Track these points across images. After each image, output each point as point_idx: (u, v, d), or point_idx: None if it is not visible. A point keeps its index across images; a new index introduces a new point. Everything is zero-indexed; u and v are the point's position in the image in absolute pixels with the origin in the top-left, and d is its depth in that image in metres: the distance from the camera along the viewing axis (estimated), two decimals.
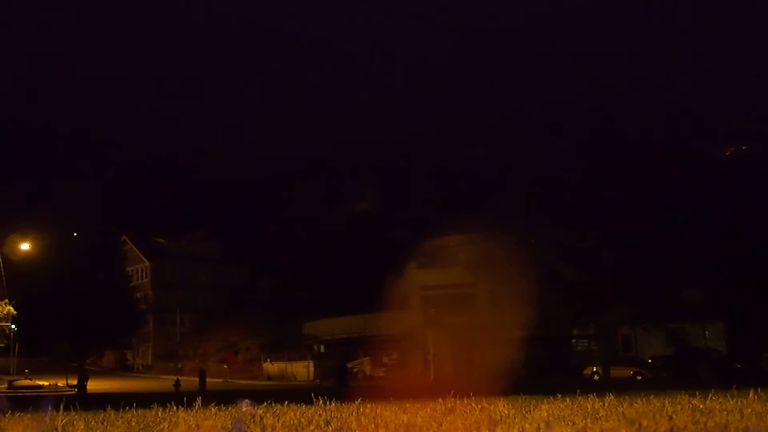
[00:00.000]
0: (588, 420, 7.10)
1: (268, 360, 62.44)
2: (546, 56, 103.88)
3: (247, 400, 9.57)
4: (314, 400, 10.41)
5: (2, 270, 48.68)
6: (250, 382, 54.56)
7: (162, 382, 48.67)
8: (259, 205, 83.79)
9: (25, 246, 47.30)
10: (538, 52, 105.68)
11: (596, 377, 41.61)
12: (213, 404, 9.49)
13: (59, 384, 43.08)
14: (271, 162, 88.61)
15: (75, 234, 47.93)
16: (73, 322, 40.22)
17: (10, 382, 44.86)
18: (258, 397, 11.24)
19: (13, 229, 48.06)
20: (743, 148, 57.33)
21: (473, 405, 9.11)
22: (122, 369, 74.47)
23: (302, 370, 58.46)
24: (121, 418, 8.56)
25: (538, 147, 35.77)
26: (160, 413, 8.82)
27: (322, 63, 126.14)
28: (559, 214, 39.37)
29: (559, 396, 10.55)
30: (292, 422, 7.52)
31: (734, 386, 10.94)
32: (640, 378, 41.85)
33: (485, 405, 9.08)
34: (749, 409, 7.83)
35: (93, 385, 40.69)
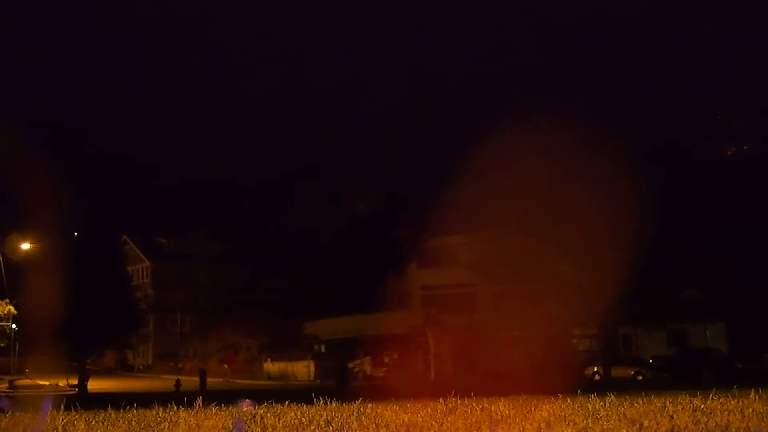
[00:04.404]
0: (589, 420, 7.10)
1: (269, 360, 62.46)
2: (546, 55, 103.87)
3: (247, 400, 9.57)
4: (315, 400, 10.41)
5: (2, 270, 48.69)
6: (250, 381, 54.56)
7: (162, 382, 48.67)
8: (259, 204, 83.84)
9: (25, 246, 47.29)
10: (539, 51, 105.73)
11: (597, 377, 41.59)
12: (214, 404, 9.49)
13: (60, 384, 43.10)
14: (271, 162, 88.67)
15: (75, 234, 47.89)
16: (74, 322, 40.19)
17: (10, 381, 44.88)
18: (258, 396, 11.25)
19: (13, 229, 48.06)
20: (743, 148, 57.28)
21: (474, 405, 9.10)
22: (123, 369, 74.50)
23: (303, 370, 58.48)
24: (122, 417, 8.56)
25: (538, 147, 35.75)
26: (160, 413, 8.81)
27: (322, 63, 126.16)
28: (559, 213, 39.35)
29: (560, 396, 10.54)
30: (292, 422, 7.52)
31: (735, 386, 10.93)
32: (641, 378, 41.84)
33: (486, 405, 9.08)
34: (750, 409, 7.83)
35: (93, 385, 40.72)
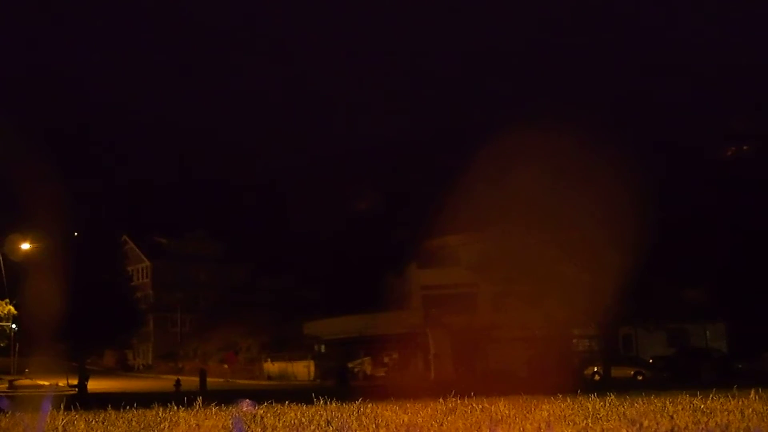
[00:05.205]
0: (589, 420, 7.10)
1: (269, 360, 62.42)
2: (546, 55, 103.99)
3: (247, 400, 9.57)
4: (315, 400, 10.41)
5: (2, 270, 48.67)
6: (250, 381, 54.54)
7: (162, 382, 48.67)
8: (259, 204, 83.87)
9: (25, 246, 47.26)
10: (539, 52, 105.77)
11: (597, 377, 41.59)
12: (213, 404, 9.48)
13: (60, 384, 43.07)
14: (271, 162, 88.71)
15: (75, 234, 47.88)
16: (74, 321, 40.19)
17: (10, 381, 44.84)
18: (258, 396, 11.24)
19: (13, 229, 48.03)
20: (743, 148, 57.28)
21: (474, 405, 9.10)
22: (123, 369, 74.47)
23: (303, 369, 58.43)
24: (122, 417, 8.56)
25: (538, 147, 35.77)
26: (160, 413, 8.81)
27: (323, 63, 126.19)
28: (559, 213, 39.37)
29: (560, 396, 10.53)
30: (292, 422, 7.52)
31: (735, 386, 10.92)
32: (641, 378, 41.83)
33: (486, 405, 9.07)
34: (750, 409, 7.83)
35: (93, 385, 40.70)
